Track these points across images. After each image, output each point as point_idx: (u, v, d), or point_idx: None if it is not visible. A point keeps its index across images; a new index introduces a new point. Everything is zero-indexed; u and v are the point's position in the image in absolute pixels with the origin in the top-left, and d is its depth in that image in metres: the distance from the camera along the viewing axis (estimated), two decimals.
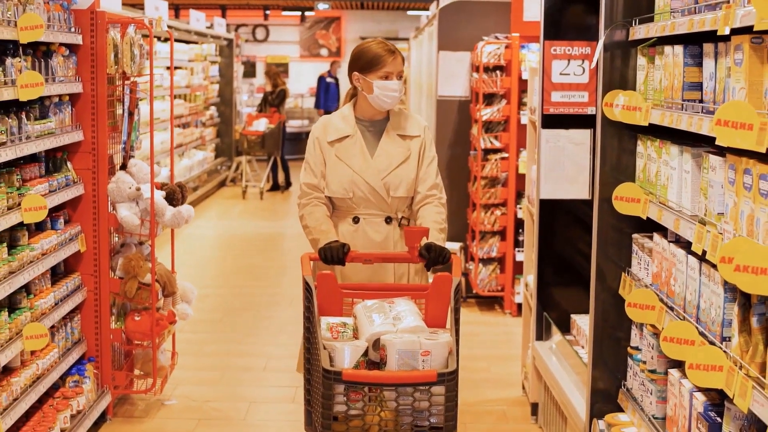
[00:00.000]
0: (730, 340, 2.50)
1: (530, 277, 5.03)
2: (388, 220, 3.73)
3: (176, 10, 18.15)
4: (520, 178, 6.71)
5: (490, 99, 7.07)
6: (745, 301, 2.41)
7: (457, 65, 7.42)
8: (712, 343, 2.58)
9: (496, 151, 7.05)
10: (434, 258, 3.44)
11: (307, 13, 20.69)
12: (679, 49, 2.90)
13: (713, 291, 2.61)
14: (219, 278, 8.28)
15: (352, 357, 2.98)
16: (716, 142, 2.37)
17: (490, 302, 7.22)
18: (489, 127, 7.03)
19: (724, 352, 2.48)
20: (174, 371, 5.28)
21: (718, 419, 2.62)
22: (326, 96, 17.08)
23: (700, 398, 2.75)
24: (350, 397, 2.91)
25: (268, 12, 20.46)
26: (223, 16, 18.77)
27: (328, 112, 16.79)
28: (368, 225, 3.71)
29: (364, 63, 3.71)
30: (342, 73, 18.30)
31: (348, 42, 21.06)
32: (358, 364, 2.98)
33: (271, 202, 12.87)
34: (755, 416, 2.32)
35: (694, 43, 2.87)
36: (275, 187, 13.74)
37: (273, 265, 8.90)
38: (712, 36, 2.64)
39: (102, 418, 4.73)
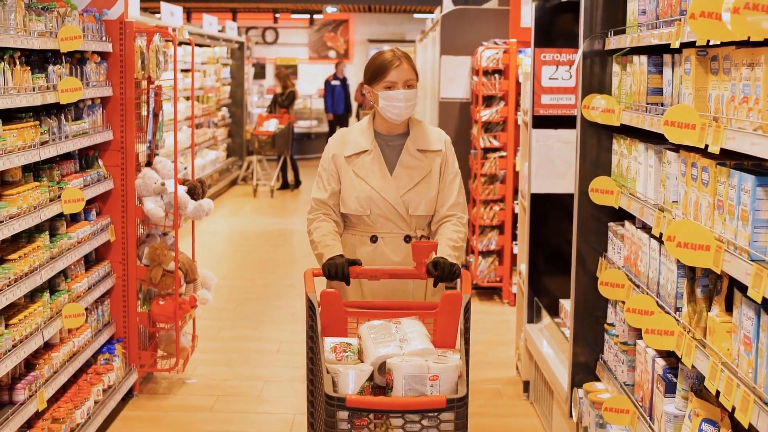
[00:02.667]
0: (681, 310, 2.92)
1: (523, 266, 5.44)
2: (408, 238, 3.56)
3: (188, 13, 18.59)
4: (518, 176, 7.12)
5: (489, 101, 7.49)
6: (692, 275, 2.83)
7: (458, 69, 7.84)
8: (667, 312, 2.99)
9: (494, 150, 7.47)
10: (442, 275, 3.28)
11: (315, 16, 21.12)
12: (644, 58, 3.32)
13: (669, 269, 3.03)
14: (233, 271, 8.72)
15: (357, 382, 2.83)
16: (669, 140, 2.78)
17: (489, 293, 7.63)
18: (488, 127, 7.45)
19: (676, 319, 2.90)
20: (194, 354, 5.71)
21: (674, 379, 3.03)
22: (333, 99, 17.28)
23: (660, 363, 3.16)
24: (354, 424, 2.76)
25: (277, 15, 20.91)
26: (234, 19, 19.20)
27: (336, 114, 17.15)
28: (387, 244, 3.54)
29: (370, 74, 3.55)
30: (348, 73, 18.72)
31: (356, 44, 21.49)
32: (362, 389, 2.83)
33: (281, 200, 13.30)
34: (699, 373, 2.73)
35: (658, 53, 3.28)
36: (285, 186, 14.16)
37: (283, 259, 9.34)
38: (670, 48, 3.05)
39: (129, 394, 5.16)
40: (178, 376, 5.49)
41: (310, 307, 3.06)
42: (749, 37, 2.15)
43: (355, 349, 2.98)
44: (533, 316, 5.23)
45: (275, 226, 11.28)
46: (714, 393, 2.51)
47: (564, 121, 5.04)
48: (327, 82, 17.53)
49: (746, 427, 2.30)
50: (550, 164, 5.09)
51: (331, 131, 17.42)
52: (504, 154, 7.41)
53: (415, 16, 20.48)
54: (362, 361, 2.96)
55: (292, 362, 5.89)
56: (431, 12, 15.36)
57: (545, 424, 4.79)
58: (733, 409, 2.36)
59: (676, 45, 2.84)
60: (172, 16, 10.79)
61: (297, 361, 5.85)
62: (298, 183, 14.28)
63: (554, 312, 5.03)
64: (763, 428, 2.19)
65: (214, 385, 5.46)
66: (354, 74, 19.55)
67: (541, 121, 5.09)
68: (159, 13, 11.24)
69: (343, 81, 17.59)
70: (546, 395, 4.80)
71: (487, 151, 7.49)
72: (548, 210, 5.22)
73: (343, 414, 2.72)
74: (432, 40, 9.18)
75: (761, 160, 2.51)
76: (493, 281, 7.53)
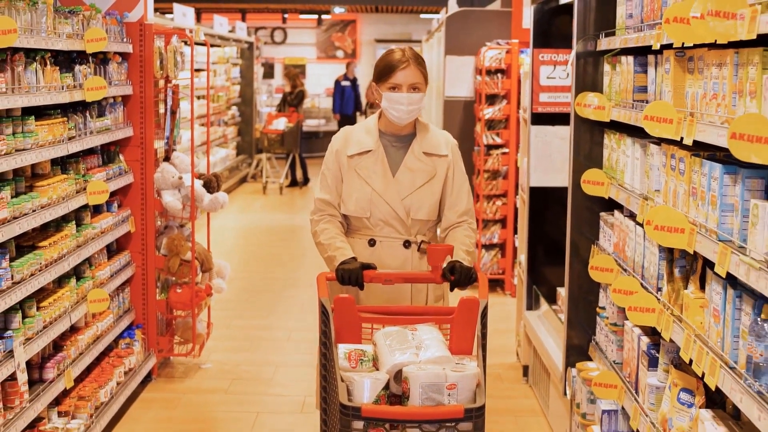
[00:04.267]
0: (662, 290, 3.17)
1: (522, 256, 5.70)
2: (407, 244, 3.48)
3: (198, 14, 18.88)
4: (519, 171, 7.38)
5: (492, 99, 7.75)
6: (671, 257, 3.09)
7: (462, 68, 8.11)
8: (649, 292, 3.25)
9: (497, 147, 7.73)
10: (459, 279, 3.22)
11: (323, 16, 21.41)
12: (630, 59, 3.57)
13: (652, 252, 3.28)
14: (244, 264, 8.99)
15: (372, 390, 2.76)
16: (649, 133, 3.04)
17: (492, 284, 7.89)
18: (491, 125, 7.72)
19: (657, 298, 3.16)
20: (208, 341, 5.98)
21: (656, 354, 3.29)
22: (342, 100, 17.37)
23: (644, 340, 3.41)
24: None
25: (286, 15, 21.19)
26: (243, 19, 19.48)
27: (344, 115, 17.33)
28: (384, 249, 3.46)
29: (377, 72, 3.49)
30: (358, 73, 18.94)
31: (363, 44, 21.76)
32: (378, 399, 2.76)
33: (290, 197, 13.58)
34: (678, 347, 2.99)
35: (643, 54, 3.53)
36: (294, 183, 14.43)
37: (292, 253, 9.62)
38: (652, 49, 3.31)
39: (148, 377, 5.44)
40: (194, 361, 5.77)
41: (323, 312, 2.99)
42: (716, 40, 2.41)
43: (370, 357, 2.91)
44: (532, 304, 5.49)
45: (284, 222, 11.55)
46: (688, 362, 2.77)
47: (561, 118, 5.29)
48: (337, 83, 17.60)
49: (713, 389, 2.56)
50: (548, 159, 5.35)
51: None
52: (506, 150, 7.67)
53: (422, 16, 20.73)
54: (377, 369, 2.90)
55: (302, 349, 6.16)
56: (437, 12, 15.61)
57: (542, 404, 5.06)
58: (703, 374, 2.62)
59: (657, 47, 3.10)
60: (184, 17, 11.06)
61: (306, 348, 6.11)
62: (306, 180, 14.55)
63: (552, 300, 5.29)
64: (727, 389, 2.45)
65: (228, 369, 5.73)
66: (362, 74, 19.80)
67: (540, 118, 5.35)
68: (171, 13, 11.52)
69: (353, 81, 17.65)
70: (543, 378, 5.06)
71: (490, 147, 7.75)
72: (547, 203, 5.48)
73: (358, 424, 2.64)
74: (437, 41, 9.45)
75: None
76: (496, 273, 7.79)
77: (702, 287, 2.87)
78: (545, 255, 5.54)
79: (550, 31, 5.37)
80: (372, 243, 3.47)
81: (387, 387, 2.80)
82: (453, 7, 8.77)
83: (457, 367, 2.81)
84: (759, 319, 2.32)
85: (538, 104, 5.30)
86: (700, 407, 2.84)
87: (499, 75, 7.66)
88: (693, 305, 2.81)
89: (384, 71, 3.45)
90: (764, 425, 2.20)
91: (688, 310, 2.86)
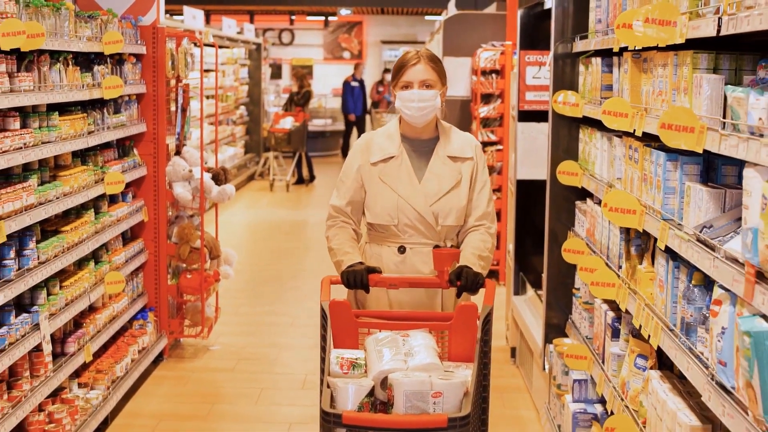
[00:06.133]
0: (622, 267, 3.54)
1: (510, 245, 6.07)
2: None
3: (207, 16, 19.29)
4: None
5: (487, 98, 8.12)
6: (628, 237, 3.45)
7: (459, 69, 8.48)
8: (611, 269, 3.62)
9: (492, 143, 8.10)
10: (465, 284, 3.14)
11: (330, 18, 21.80)
12: (599, 60, 3.94)
13: (614, 234, 3.65)
14: (251, 256, 9.37)
15: (356, 397, 2.72)
16: (608, 126, 3.41)
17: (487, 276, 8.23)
18: (486, 122, 8.09)
19: (617, 274, 3.52)
20: (216, 326, 6.36)
21: (619, 326, 3.65)
22: (353, 100, 17.58)
23: (610, 314, 3.77)
24: None
25: (293, 17, 21.59)
26: (251, 21, 19.87)
27: (356, 116, 17.62)
28: (415, 255, 3.37)
29: (392, 74, 3.44)
30: (366, 75, 19.28)
31: (369, 45, 22.14)
32: (361, 406, 2.72)
33: (297, 194, 13.97)
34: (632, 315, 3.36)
35: (609, 56, 3.90)
36: (300, 181, 14.81)
37: (297, 246, 10.00)
38: (613, 52, 3.67)
39: (160, 357, 5.82)
40: (203, 343, 6.15)
41: (323, 316, 2.97)
42: (657, 44, 2.78)
43: (363, 363, 2.87)
44: (519, 289, 5.86)
45: (290, 217, 11.94)
46: (638, 327, 3.14)
47: (546, 116, 5.64)
48: (346, 83, 17.85)
49: (656, 348, 2.92)
50: (535, 153, 5.71)
51: (347, 131, 17.86)
52: (500, 147, 8.04)
53: (426, 18, 21.09)
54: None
55: (305, 333, 6.53)
56: (440, 14, 15.98)
57: (527, 382, 5.42)
58: (649, 336, 2.99)
59: (617, 49, 3.46)
60: (194, 19, 11.46)
61: (308, 333, 6.49)
62: (312, 178, 14.93)
63: (538, 285, 5.65)
64: (666, 347, 2.82)
65: (235, 351, 6.11)
66: (367, 75, 20.17)
67: (526, 116, 5.72)
68: (181, 15, 11.93)
69: (361, 82, 17.88)
70: (528, 357, 5.42)
71: (485, 144, 8.11)
72: (533, 194, 5.84)
73: (340, 431, 2.60)
74: (437, 42, 9.82)
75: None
76: (491, 265, 8.14)
77: (653, 263, 3.23)
78: (532, 244, 5.90)
79: (536, 34, 5.74)
80: (402, 250, 3.38)
81: (371, 394, 2.77)
82: (452, 10, 9.14)
83: (445, 374, 2.76)
84: (690, 285, 2.69)
85: (525, 102, 5.67)
86: (651, 368, 3.20)
87: (493, 75, 8.03)
88: (644, 278, 3.18)
89: (396, 70, 3.40)
90: (691, 374, 2.57)
91: (640, 283, 3.22)
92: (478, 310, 3.01)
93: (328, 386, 2.75)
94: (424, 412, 2.66)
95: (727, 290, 2.31)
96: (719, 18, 2.36)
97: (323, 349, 2.94)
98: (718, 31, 2.36)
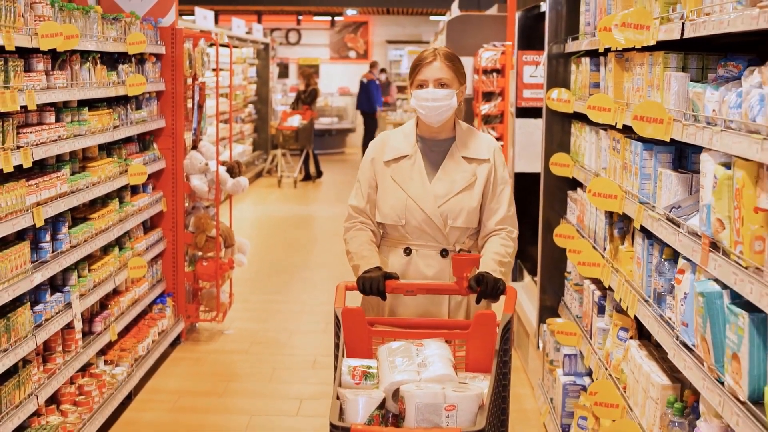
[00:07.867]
0: (606, 248, 3.87)
1: None
2: (444, 253, 3.29)
3: (216, 16, 19.63)
4: None
5: (488, 96, 8.46)
6: (612, 221, 3.79)
7: None
8: (597, 251, 3.95)
9: None
10: (485, 291, 3.01)
11: (336, 18, 22.14)
12: (587, 59, 4.27)
13: (600, 218, 3.98)
14: (261, 249, 9.72)
15: (366, 409, 2.61)
16: (593, 120, 3.74)
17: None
18: (487, 119, 8.43)
19: (602, 255, 3.86)
20: (230, 311, 6.71)
21: (604, 303, 3.99)
22: (369, 98, 17.65)
23: (597, 293, 4.11)
24: None
25: (300, 17, 21.94)
26: (259, 21, 20.21)
27: (371, 113, 17.80)
28: (421, 258, 3.29)
29: (409, 72, 3.37)
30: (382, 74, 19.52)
31: (374, 45, 22.47)
32: (371, 419, 2.61)
33: (304, 191, 14.32)
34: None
35: (597, 56, 4.23)
36: (307, 177, 15.15)
37: (306, 239, 10.35)
38: (600, 52, 4.01)
39: (177, 340, 6.17)
40: (218, 327, 6.50)
41: (337, 324, 2.90)
42: (634, 45, 3.11)
43: (375, 372, 2.77)
44: (517, 276, 6.19)
45: (298, 212, 12.29)
46: (618, 300, 3.47)
47: (542, 112, 5.97)
48: (362, 82, 17.98)
49: (632, 318, 3.26)
50: (532, 148, 6.04)
51: (367, 129, 17.79)
52: (501, 143, 8.36)
53: (430, 18, 21.41)
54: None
55: (314, 319, 6.88)
56: (444, 14, 16.30)
57: (523, 363, 5.76)
58: (627, 308, 3.33)
59: (602, 50, 3.80)
60: (205, 19, 11.79)
61: (319, 318, 6.83)
62: (319, 174, 15.27)
63: (534, 273, 5.97)
64: (641, 316, 3.15)
65: (248, 335, 6.46)
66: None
67: (523, 112, 6.06)
68: (192, 15, 12.25)
69: (373, 81, 17.96)
70: (525, 339, 5.76)
71: None
72: (530, 186, 6.17)
73: None
74: (441, 42, 10.15)
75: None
76: None
77: (633, 243, 3.57)
78: (529, 233, 6.22)
79: (533, 35, 6.08)
80: (408, 252, 3.31)
81: (382, 406, 2.66)
82: (455, 11, 9.47)
83: (459, 387, 2.65)
84: (662, 259, 3.03)
85: (522, 99, 6.00)
86: (630, 338, 3.54)
87: (494, 74, 8.36)
88: (625, 257, 3.51)
89: (411, 69, 3.35)
90: (660, 337, 2.91)
91: (621, 261, 3.56)
92: (497, 319, 2.91)
93: (338, 398, 2.64)
94: (436, 426, 2.55)
95: (688, 260, 2.65)
96: (683, 23, 2.70)
97: (336, 357, 2.86)
98: (682, 34, 2.70)
